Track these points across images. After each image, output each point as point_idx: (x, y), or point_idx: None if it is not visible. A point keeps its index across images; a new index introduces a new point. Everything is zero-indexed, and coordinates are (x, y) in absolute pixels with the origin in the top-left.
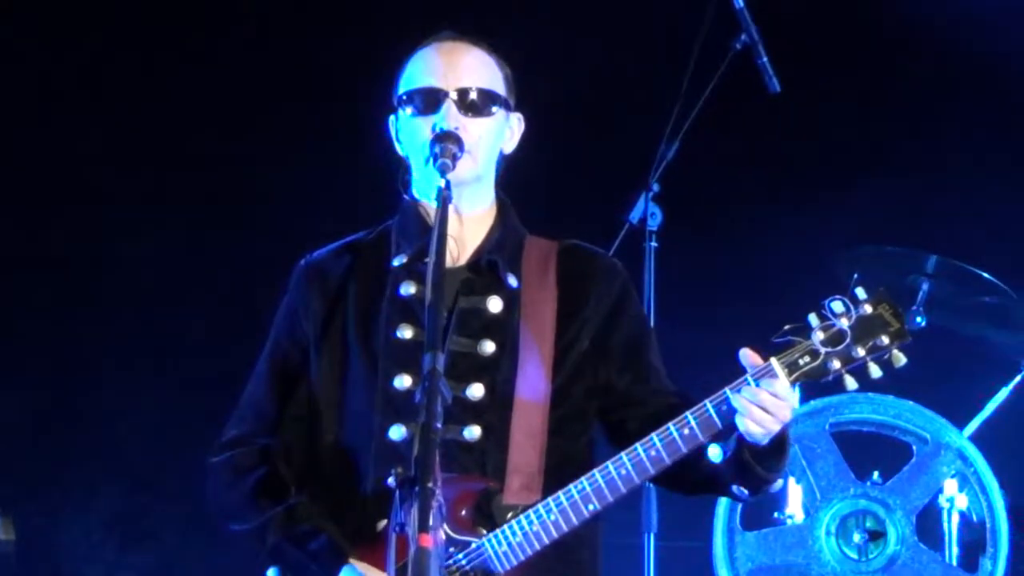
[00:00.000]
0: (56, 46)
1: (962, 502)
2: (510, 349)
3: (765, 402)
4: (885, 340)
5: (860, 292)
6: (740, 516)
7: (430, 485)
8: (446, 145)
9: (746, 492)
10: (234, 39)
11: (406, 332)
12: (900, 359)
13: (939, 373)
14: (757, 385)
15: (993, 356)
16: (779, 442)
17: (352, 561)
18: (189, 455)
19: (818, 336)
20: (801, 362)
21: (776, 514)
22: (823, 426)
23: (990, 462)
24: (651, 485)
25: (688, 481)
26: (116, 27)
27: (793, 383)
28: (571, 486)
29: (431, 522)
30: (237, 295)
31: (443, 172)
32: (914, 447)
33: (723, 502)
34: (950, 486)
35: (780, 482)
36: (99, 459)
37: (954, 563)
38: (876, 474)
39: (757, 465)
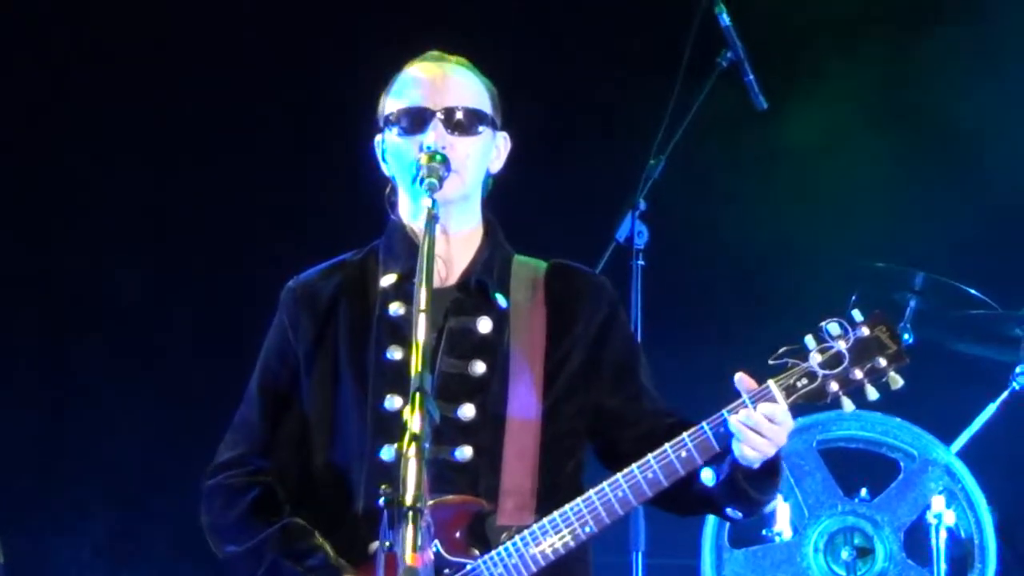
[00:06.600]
0: (53, 55)
1: (950, 518)
2: (501, 369)
3: (761, 426)
4: (883, 362)
5: (857, 314)
6: (728, 533)
7: (418, 505)
8: (433, 165)
9: (740, 514)
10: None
11: (396, 353)
12: (897, 381)
13: (926, 389)
14: (755, 408)
15: (980, 372)
16: (771, 464)
17: None
18: (178, 477)
19: (815, 358)
20: (799, 384)
21: (764, 531)
22: (811, 443)
23: (978, 478)
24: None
25: (682, 502)
26: (113, 37)
27: (790, 405)
28: (567, 508)
29: (420, 542)
30: (226, 317)
31: (430, 192)
32: (902, 463)
33: (711, 520)
34: (938, 502)
35: (774, 502)
36: (89, 481)
37: None
38: (864, 491)
39: (750, 488)
